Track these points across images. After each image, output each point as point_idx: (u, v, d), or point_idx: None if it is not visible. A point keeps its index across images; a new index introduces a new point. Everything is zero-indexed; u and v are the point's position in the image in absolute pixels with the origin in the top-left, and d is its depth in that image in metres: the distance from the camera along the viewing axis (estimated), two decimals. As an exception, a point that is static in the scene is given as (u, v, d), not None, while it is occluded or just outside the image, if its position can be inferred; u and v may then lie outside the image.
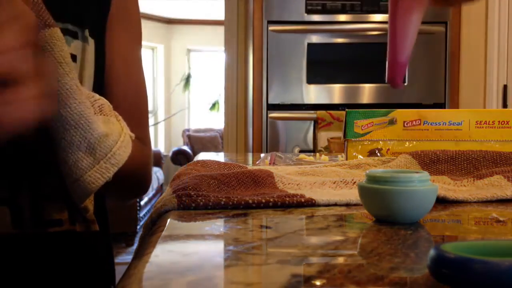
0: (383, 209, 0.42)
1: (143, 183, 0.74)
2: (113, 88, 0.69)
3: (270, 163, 0.97)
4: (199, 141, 6.51)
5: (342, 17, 2.40)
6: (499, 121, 0.85)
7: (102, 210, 0.71)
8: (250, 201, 0.50)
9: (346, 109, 0.89)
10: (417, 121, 0.87)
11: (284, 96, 2.40)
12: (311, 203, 0.51)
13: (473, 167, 0.70)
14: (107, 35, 0.69)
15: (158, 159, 5.70)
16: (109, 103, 0.56)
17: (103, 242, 0.71)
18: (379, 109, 0.88)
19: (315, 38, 2.39)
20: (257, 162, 1.00)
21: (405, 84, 2.40)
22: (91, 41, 0.65)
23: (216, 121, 7.01)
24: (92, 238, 0.66)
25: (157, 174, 5.08)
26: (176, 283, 0.27)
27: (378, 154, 0.87)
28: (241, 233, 0.38)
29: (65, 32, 0.59)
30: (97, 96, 0.55)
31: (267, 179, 0.61)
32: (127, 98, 0.71)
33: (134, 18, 0.75)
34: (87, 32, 0.64)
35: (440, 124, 0.86)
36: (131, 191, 0.75)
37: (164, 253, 0.33)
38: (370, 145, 0.88)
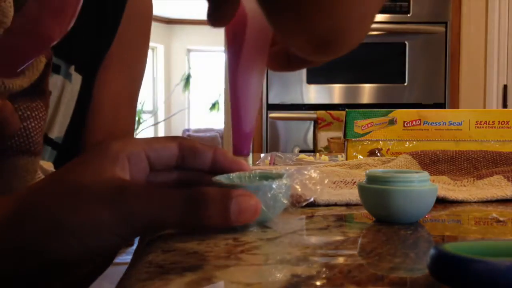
0: (383, 209, 0.42)
1: None
2: (96, 132, 0.63)
3: (270, 163, 0.97)
4: (199, 141, 6.50)
5: (342, 17, 2.40)
6: (499, 121, 0.85)
7: None
8: (250, 201, 0.49)
9: (346, 109, 0.89)
10: (417, 121, 0.87)
11: (284, 96, 2.40)
12: (311, 203, 0.50)
13: (473, 167, 0.70)
14: (101, 73, 0.63)
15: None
16: None
17: None
18: (379, 109, 0.88)
19: (315, 38, 2.39)
20: (257, 162, 1.00)
21: (399, 87, 2.40)
22: (77, 78, 0.59)
23: (216, 121, 7.01)
24: None
25: (157, 174, 5.06)
26: (176, 283, 0.27)
27: (378, 154, 0.87)
28: (241, 233, 0.38)
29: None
30: None
31: (267, 179, 0.61)
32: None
33: (138, 54, 0.68)
34: (72, 69, 0.59)
35: (440, 124, 0.86)
36: None
37: (164, 253, 0.33)
38: (370, 145, 0.88)
